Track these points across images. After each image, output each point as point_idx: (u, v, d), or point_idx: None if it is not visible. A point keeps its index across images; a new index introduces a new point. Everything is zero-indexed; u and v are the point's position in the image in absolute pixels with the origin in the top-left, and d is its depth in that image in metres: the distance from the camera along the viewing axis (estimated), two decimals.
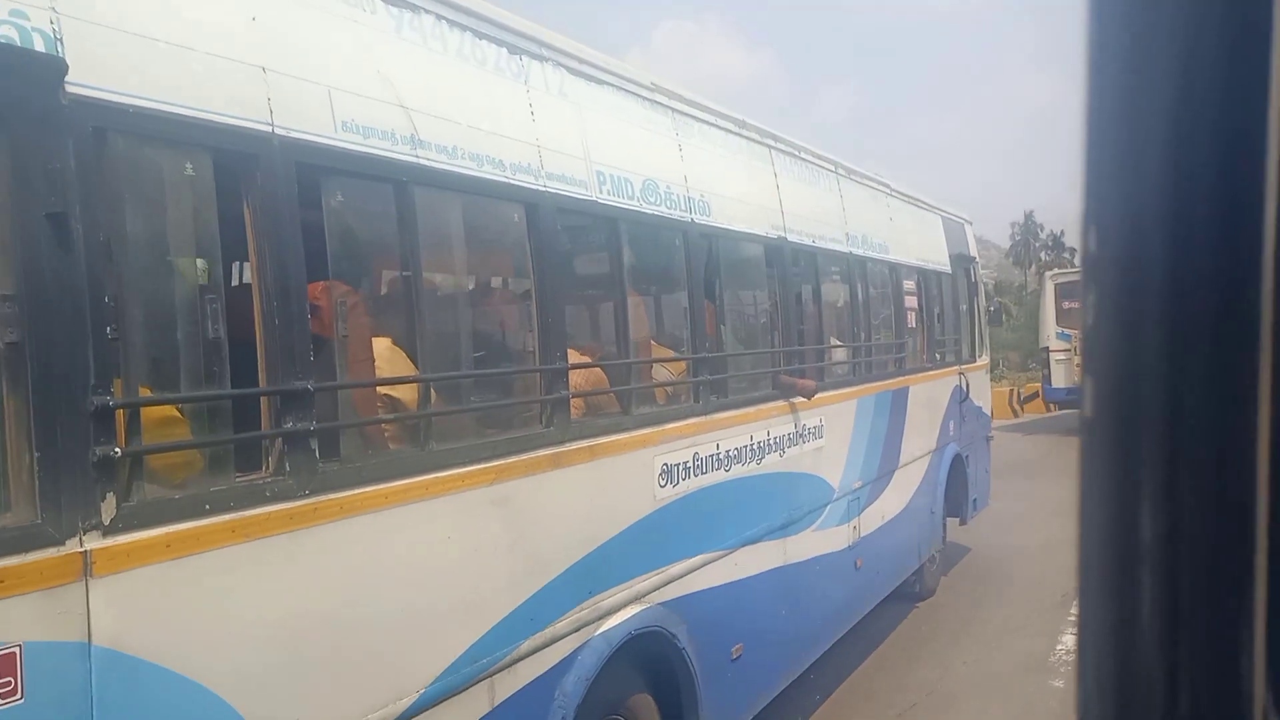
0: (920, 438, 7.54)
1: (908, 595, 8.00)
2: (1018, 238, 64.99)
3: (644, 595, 3.77)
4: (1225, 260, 0.48)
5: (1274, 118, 0.47)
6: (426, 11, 2.91)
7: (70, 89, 1.87)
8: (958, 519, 8.97)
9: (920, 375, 7.62)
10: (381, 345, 2.76)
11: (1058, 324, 18.96)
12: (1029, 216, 66.22)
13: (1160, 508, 0.50)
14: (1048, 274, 21.86)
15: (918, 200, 8.15)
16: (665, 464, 3.93)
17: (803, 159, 5.72)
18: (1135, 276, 0.50)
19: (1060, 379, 18.92)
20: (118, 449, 1.93)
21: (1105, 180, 0.52)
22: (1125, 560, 0.52)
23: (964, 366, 8.84)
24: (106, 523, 1.91)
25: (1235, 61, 0.47)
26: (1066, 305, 18.82)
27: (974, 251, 9.68)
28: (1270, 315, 0.47)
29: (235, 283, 2.85)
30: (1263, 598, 0.48)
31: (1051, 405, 20.73)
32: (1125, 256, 0.51)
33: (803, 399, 5.25)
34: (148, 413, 2.06)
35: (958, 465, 8.61)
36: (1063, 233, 64.49)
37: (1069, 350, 18.39)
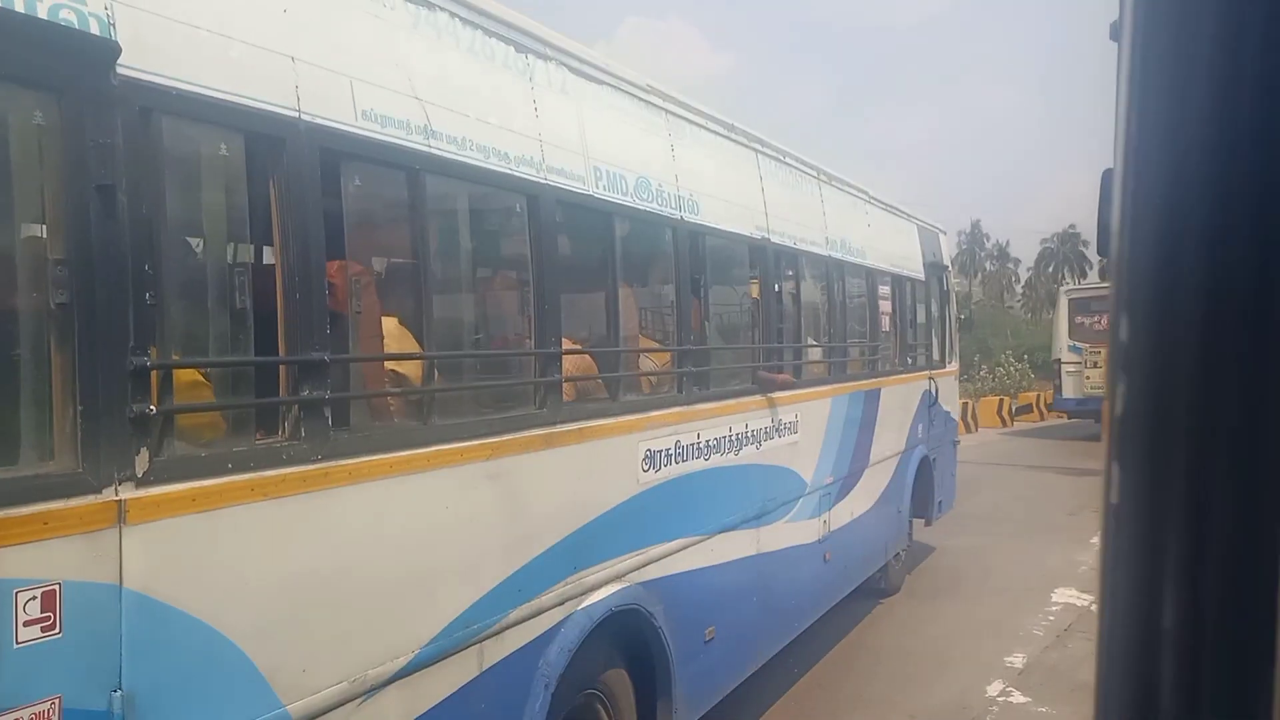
0: (890, 439, 7.77)
1: (873, 591, 8.24)
2: (964, 246, 65.98)
3: (625, 574, 3.94)
4: (1259, 357, 0.48)
5: None
6: (441, 8, 3.06)
7: (121, 71, 2.01)
8: (923, 520, 9.26)
9: (892, 378, 7.86)
10: (390, 324, 2.91)
11: (1070, 337, 19.97)
12: (975, 225, 67.34)
13: (1184, 595, 0.50)
14: (1061, 289, 22.97)
15: (894, 208, 8.39)
16: (649, 450, 4.10)
17: (787, 163, 5.92)
18: (1168, 369, 0.50)
19: (1070, 390, 19.99)
20: (152, 407, 2.07)
21: (1140, 272, 0.51)
22: (1147, 646, 0.51)
23: (934, 371, 9.10)
24: (140, 475, 2.05)
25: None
26: (1079, 320, 19.82)
27: (947, 260, 9.96)
28: None
29: (262, 259, 2.99)
30: None
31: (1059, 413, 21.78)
32: (1160, 347, 0.51)
33: (780, 393, 5.45)
34: (179, 375, 2.21)
35: (925, 467, 8.86)
36: (1008, 243, 65.51)
37: (1080, 362, 19.55)
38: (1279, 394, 0.48)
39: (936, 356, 9.43)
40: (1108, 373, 0.55)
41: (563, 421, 3.50)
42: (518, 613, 3.27)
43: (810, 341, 6.40)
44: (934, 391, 9.02)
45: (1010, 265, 62.66)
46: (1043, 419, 23.84)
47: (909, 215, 8.84)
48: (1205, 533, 0.50)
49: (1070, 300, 20.83)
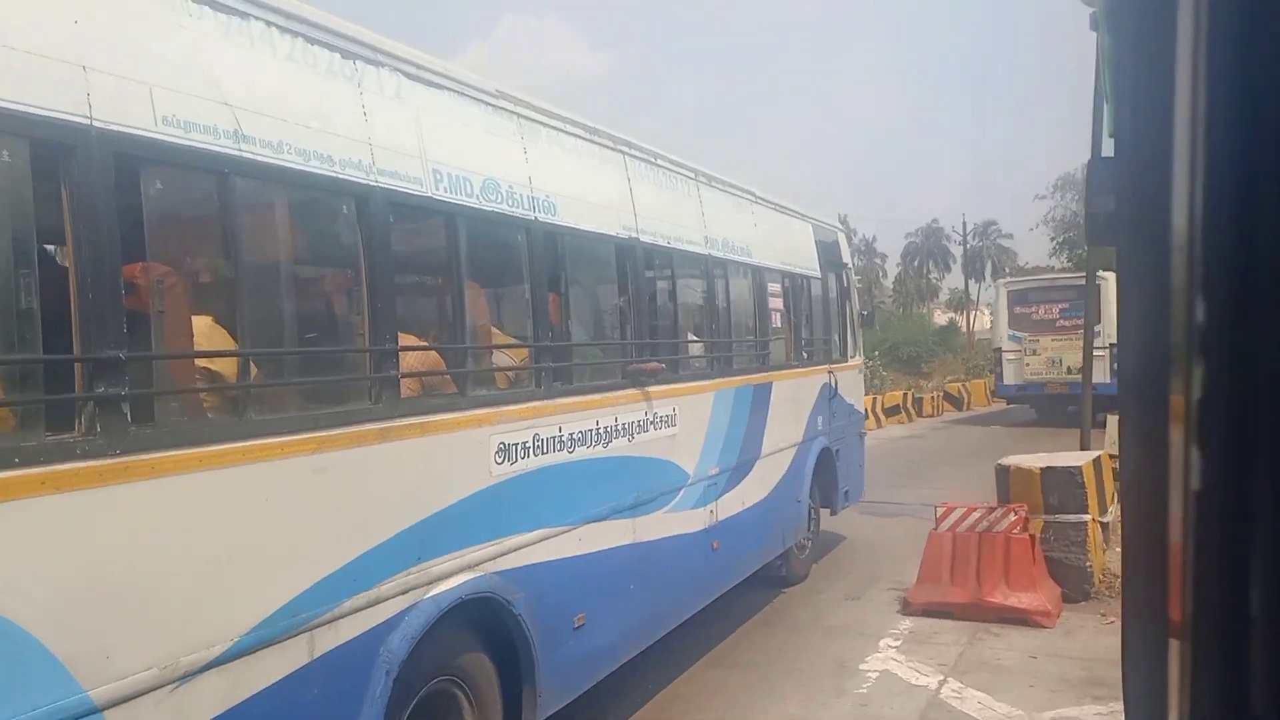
0: (785, 430, 7.99)
1: (775, 580, 8.47)
2: None
3: (478, 564, 4.06)
4: None
5: None
6: (255, 17, 3.17)
7: None
8: (829, 509, 9.52)
9: (785, 372, 8.09)
10: (202, 323, 3.00)
11: (1010, 327, 21.23)
12: (844, 220, 69.26)
13: (1273, 581, 0.49)
14: (1000, 282, 24.30)
15: (786, 208, 8.63)
16: (503, 443, 4.23)
17: (659, 165, 6.10)
18: (1251, 351, 0.49)
19: (1011, 376, 21.37)
20: None
21: (1216, 254, 0.50)
22: (1237, 633, 0.50)
23: (834, 365, 9.36)
24: None
25: None
26: (1017, 310, 21.25)
27: (847, 259, 10.25)
28: None
29: (57, 261, 3.05)
30: None
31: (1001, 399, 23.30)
32: (1242, 328, 0.49)
33: (655, 387, 5.62)
34: None
35: (826, 458, 9.12)
36: (874, 238, 67.15)
37: (1020, 350, 20.97)
38: None
39: (838, 352, 9.71)
40: (1179, 356, 0.52)
41: (401, 416, 3.62)
42: (353, 602, 3.37)
43: (690, 337, 6.59)
44: (834, 385, 9.28)
45: (878, 260, 64.44)
46: (912, 420, 24.35)
47: (803, 215, 9.10)
48: None
49: (1009, 292, 21.94)
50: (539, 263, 4.60)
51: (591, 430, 4.98)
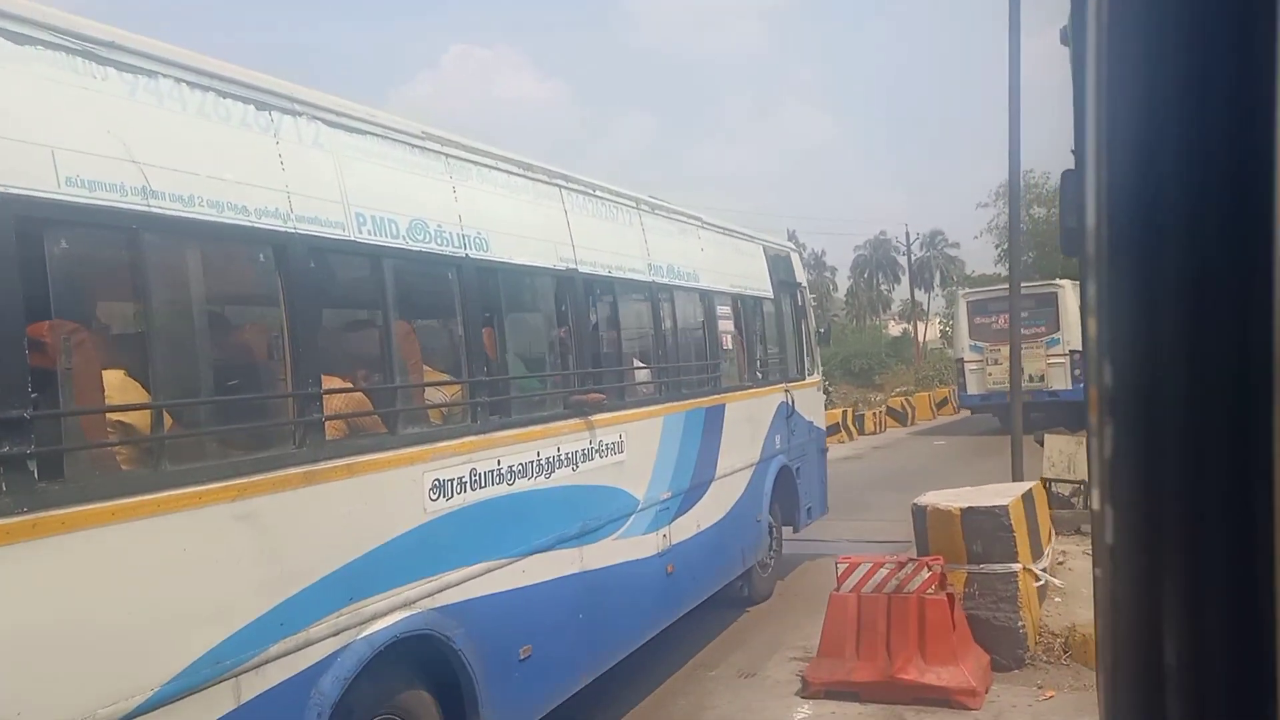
0: (740, 451, 8.07)
1: (737, 600, 8.52)
2: None
3: (414, 601, 4.09)
4: (1243, 394, 0.48)
5: None
6: (164, 75, 3.23)
7: None
8: (790, 527, 9.60)
9: (739, 393, 8.17)
10: (114, 377, 3.04)
11: (970, 337, 21.42)
12: (792, 235, 69.99)
13: (1185, 632, 0.50)
14: (960, 293, 24.22)
15: (734, 231, 8.76)
16: (437, 479, 4.27)
17: (598, 196, 6.19)
18: (1154, 412, 0.50)
19: (974, 387, 21.50)
20: None
21: (1120, 326, 0.51)
22: (1151, 686, 0.51)
23: (790, 384, 9.46)
24: None
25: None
26: (978, 320, 21.38)
27: (801, 278, 10.38)
28: None
29: None
30: None
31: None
32: (1145, 390, 0.51)
33: (599, 415, 5.69)
34: None
35: (786, 476, 9.20)
36: (824, 251, 67.92)
37: (981, 360, 21.14)
38: (1266, 433, 0.48)
39: (794, 370, 9.81)
40: (1093, 416, 0.54)
41: (327, 458, 3.66)
42: (280, 646, 3.39)
43: (637, 363, 6.67)
44: (791, 403, 9.37)
45: (827, 274, 65.16)
46: (853, 439, 23.58)
47: (753, 238, 9.22)
48: (1203, 569, 0.50)
49: (969, 303, 22.08)
50: (472, 299, 4.66)
51: (533, 462, 5.03)
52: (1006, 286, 27.31)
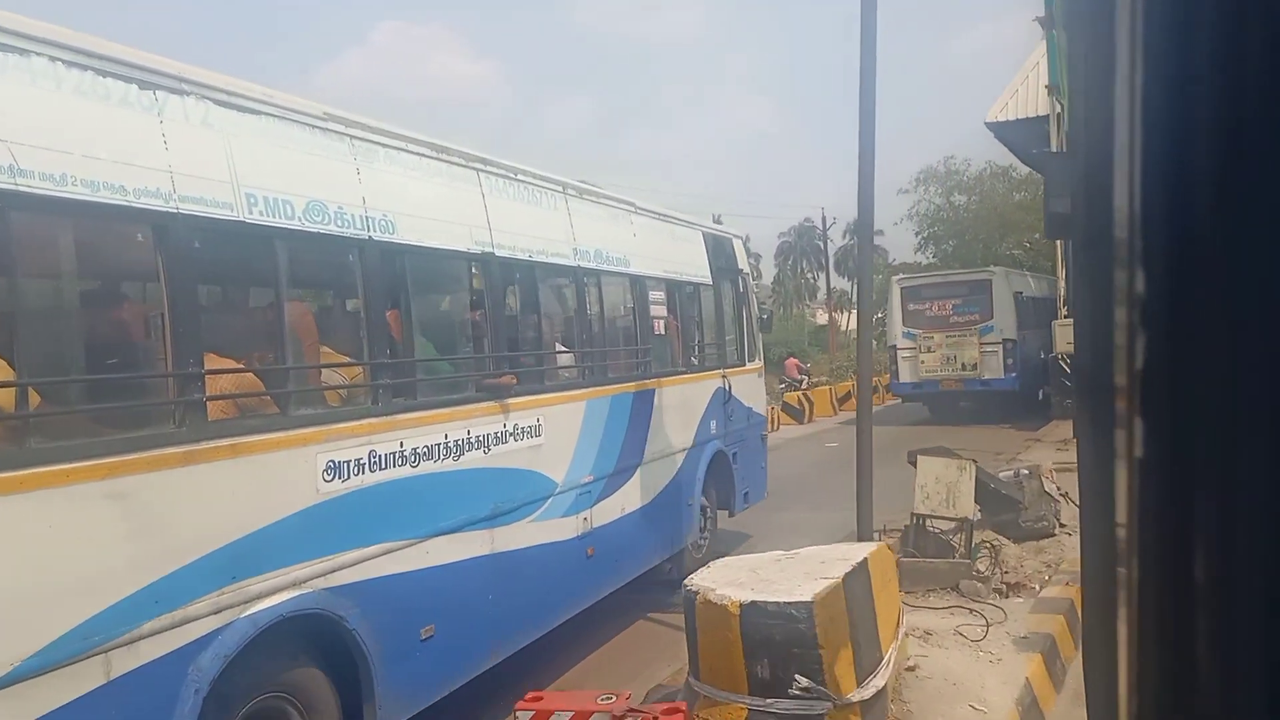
0: (672, 435, 8.15)
1: (667, 582, 8.63)
2: None
3: (304, 581, 4.13)
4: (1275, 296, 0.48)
5: None
6: (37, 54, 3.21)
7: None
8: (726, 511, 9.72)
9: (671, 379, 8.24)
10: None
11: (904, 324, 20.88)
12: (717, 219, 69.94)
13: (1215, 547, 0.50)
14: (895, 279, 23.37)
15: (670, 217, 8.80)
16: (332, 461, 4.31)
17: (521, 180, 6.21)
18: (1191, 319, 0.50)
19: (907, 374, 20.94)
20: None
21: (1154, 224, 0.51)
22: (1181, 600, 0.51)
23: (728, 370, 9.54)
24: None
25: None
26: (911, 306, 20.90)
27: (743, 264, 10.45)
28: None
29: None
30: None
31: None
32: (1180, 297, 0.51)
33: (514, 399, 5.73)
34: None
35: (721, 461, 9.30)
36: (748, 237, 67.86)
37: (914, 348, 20.63)
38: None
39: (734, 356, 9.90)
40: (1124, 328, 0.53)
41: (209, 438, 3.68)
42: (155, 623, 3.43)
43: (559, 348, 6.72)
44: (729, 389, 9.47)
45: (752, 260, 65.09)
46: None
47: (691, 224, 9.28)
48: (1236, 482, 0.49)
49: (902, 289, 21.54)
50: (375, 280, 4.68)
51: (440, 444, 5.07)
52: (940, 273, 25.94)
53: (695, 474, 8.72)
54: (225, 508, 3.77)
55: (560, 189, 6.75)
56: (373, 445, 4.56)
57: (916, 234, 38.32)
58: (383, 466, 4.64)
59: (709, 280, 9.31)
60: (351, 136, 4.68)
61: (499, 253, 5.73)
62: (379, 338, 4.70)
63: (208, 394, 3.72)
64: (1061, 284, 19.37)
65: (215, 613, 3.69)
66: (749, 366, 10.31)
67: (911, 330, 20.78)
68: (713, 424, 9.12)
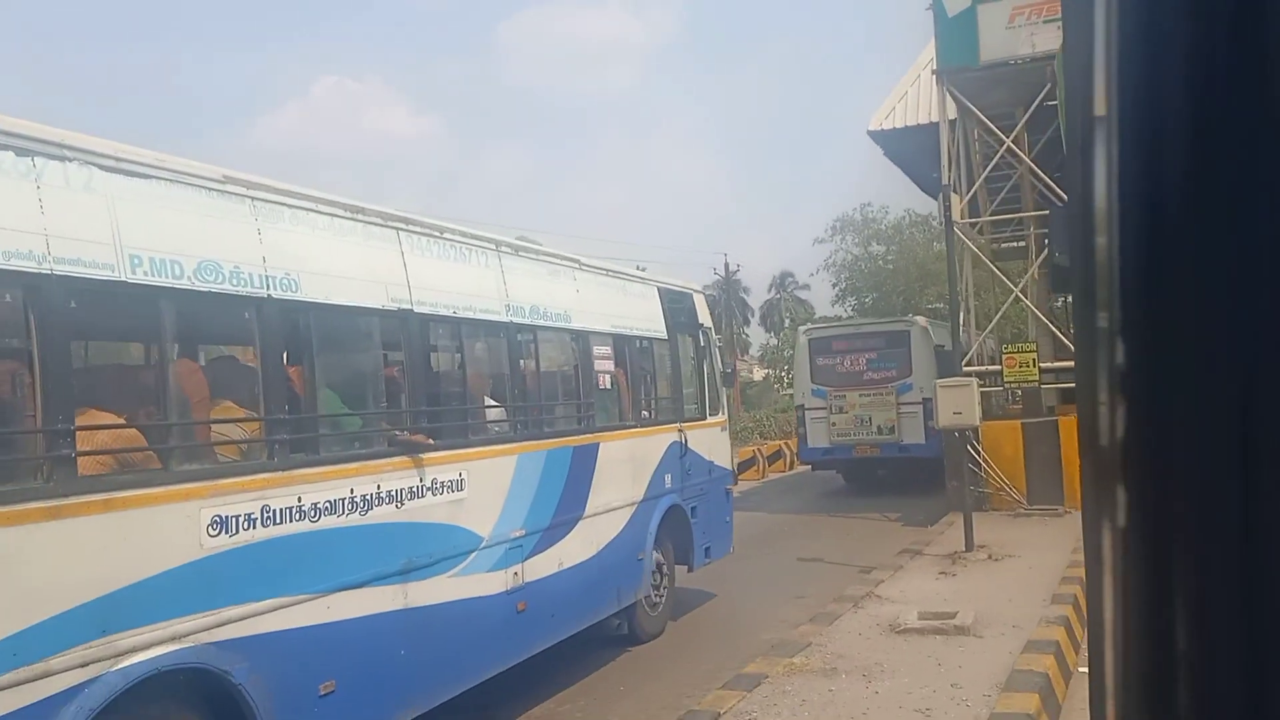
0: (618, 489, 8.16)
1: (616, 639, 8.57)
2: None
3: (186, 635, 4.16)
4: (1253, 368, 0.48)
5: None
6: None
7: None
8: (685, 566, 9.66)
9: (619, 432, 8.28)
10: None
11: (813, 380, 18.00)
12: (639, 268, 68.36)
13: (1195, 614, 0.50)
14: (801, 328, 20.83)
15: (621, 273, 8.94)
16: (219, 515, 4.37)
17: (447, 239, 6.35)
18: (1167, 388, 0.50)
19: (817, 438, 17.88)
20: None
21: (1131, 294, 0.51)
22: (1162, 670, 0.51)
23: (686, 424, 9.57)
24: None
25: None
26: (820, 361, 18.00)
27: (704, 319, 10.53)
28: None
29: None
30: None
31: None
32: (1158, 366, 0.51)
33: (434, 454, 5.79)
34: None
35: (677, 515, 9.27)
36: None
37: (825, 408, 17.67)
38: (1275, 406, 0.47)
39: (694, 410, 9.93)
40: (1105, 397, 0.53)
41: (78, 494, 3.76)
42: (12, 675, 3.47)
43: (489, 402, 6.79)
44: (685, 443, 9.48)
45: None
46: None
47: (647, 279, 9.41)
48: (1214, 552, 0.49)
49: (810, 341, 18.60)
50: (274, 337, 4.79)
51: (344, 499, 5.12)
52: (852, 322, 24.46)
53: (646, 528, 8.70)
54: (95, 562, 3.83)
55: (493, 246, 6.89)
56: (266, 500, 4.62)
57: (834, 285, 36.49)
58: (278, 521, 4.69)
59: (664, 335, 9.40)
60: (253, 198, 4.83)
61: (419, 309, 5.84)
62: (278, 393, 4.79)
63: (78, 450, 3.80)
64: (968, 334, 15.67)
65: (82, 666, 3.72)
66: (710, 421, 10.33)
67: (821, 388, 17.86)
68: (667, 478, 9.13)
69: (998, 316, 16.88)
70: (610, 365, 8.34)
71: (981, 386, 14.30)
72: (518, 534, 6.69)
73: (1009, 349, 14.51)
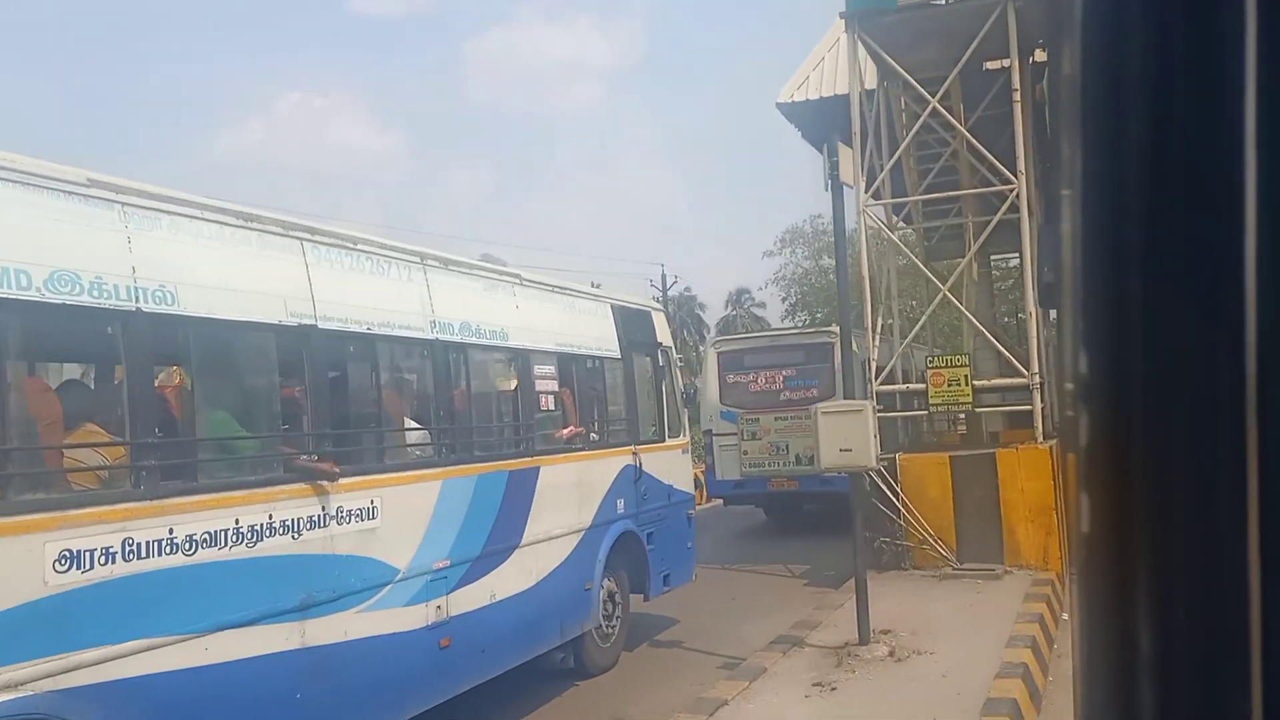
0: (562, 515, 7.76)
1: (563, 672, 8.13)
2: None
3: (24, 683, 3.76)
4: (1210, 379, 0.49)
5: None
6: None
7: None
8: (641, 595, 9.22)
9: (562, 456, 7.89)
10: None
11: (722, 401, 15.45)
12: (596, 286, 66.90)
13: (1157, 619, 0.51)
14: (711, 343, 18.10)
15: (569, 290, 8.57)
16: (69, 550, 3.97)
17: (361, 251, 5.98)
18: (1124, 398, 0.52)
19: (728, 469, 15.22)
20: None
21: (1093, 307, 0.53)
22: (1125, 672, 0.52)
23: (641, 446, 9.17)
24: None
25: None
26: (731, 379, 15.43)
27: (663, 338, 10.15)
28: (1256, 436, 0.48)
29: None
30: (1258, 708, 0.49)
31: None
32: (1117, 376, 0.52)
33: (341, 480, 5.40)
34: None
35: (631, 542, 8.86)
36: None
37: (736, 434, 15.01)
38: (1230, 413, 0.49)
39: (651, 431, 9.54)
40: (1072, 405, 0.55)
41: None
42: None
43: (411, 424, 6.40)
44: (639, 466, 9.08)
45: None
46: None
47: (598, 296, 9.04)
48: (1175, 556, 0.51)
49: (719, 355, 15.99)
50: (142, 354, 4.41)
51: (228, 530, 4.72)
52: (767, 334, 18.97)
53: (595, 556, 8.28)
54: None
55: (418, 260, 6.52)
56: (130, 532, 4.22)
57: (784, 300, 35.08)
58: (145, 555, 4.29)
59: (617, 354, 9.02)
60: (123, 204, 4.46)
61: (325, 325, 5.46)
62: (147, 414, 4.41)
63: None
64: (873, 348, 12.03)
65: None
66: (670, 443, 9.93)
67: (731, 410, 15.22)
68: (619, 503, 8.72)
69: (921, 321, 13.79)
70: (554, 385, 7.95)
71: (906, 411, 12.47)
72: (442, 565, 6.28)
73: (934, 362, 11.65)
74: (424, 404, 6.53)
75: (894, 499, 10.78)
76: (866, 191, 11.98)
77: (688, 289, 55.23)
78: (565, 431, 8.11)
